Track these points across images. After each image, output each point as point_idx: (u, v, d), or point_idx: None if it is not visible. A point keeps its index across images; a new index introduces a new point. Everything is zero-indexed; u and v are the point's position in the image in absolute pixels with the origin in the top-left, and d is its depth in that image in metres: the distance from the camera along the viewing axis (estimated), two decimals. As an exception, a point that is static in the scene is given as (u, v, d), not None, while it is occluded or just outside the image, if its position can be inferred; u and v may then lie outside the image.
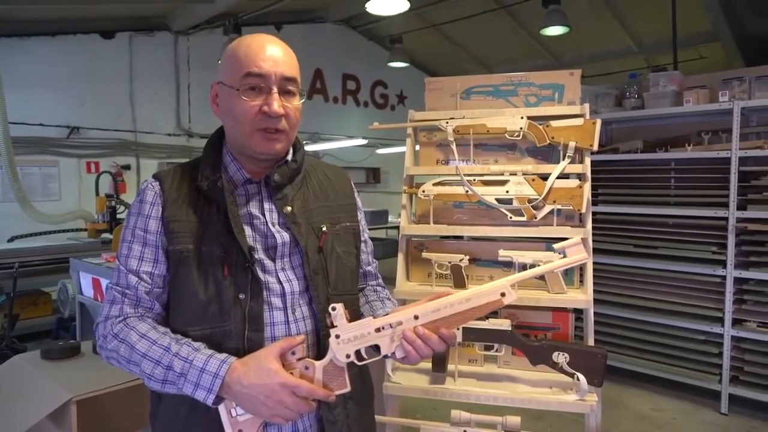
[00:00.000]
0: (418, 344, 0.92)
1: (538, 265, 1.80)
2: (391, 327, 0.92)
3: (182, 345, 0.91)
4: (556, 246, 1.02)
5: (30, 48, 5.12)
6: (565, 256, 1.02)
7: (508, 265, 1.89)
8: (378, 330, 0.92)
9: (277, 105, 0.95)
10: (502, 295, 0.94)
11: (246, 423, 0.89)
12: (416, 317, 0.92)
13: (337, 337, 0.91)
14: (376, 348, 0.93)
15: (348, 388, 0.91)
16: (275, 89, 0.96)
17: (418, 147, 2.11)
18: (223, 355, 0.90)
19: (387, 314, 0.97)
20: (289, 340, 0.91)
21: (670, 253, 3.29)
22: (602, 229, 3.43)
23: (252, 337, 0.95)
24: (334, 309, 0.91)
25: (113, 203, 4.77)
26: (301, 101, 1.01)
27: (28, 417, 1.76)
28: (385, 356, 0.93)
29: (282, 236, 1.01)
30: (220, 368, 0.87)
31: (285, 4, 5.84)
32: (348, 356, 0.90)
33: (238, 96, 0.95)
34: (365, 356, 0.92)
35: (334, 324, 0.91)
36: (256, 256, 0.99)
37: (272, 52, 0.97)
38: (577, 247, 1.01)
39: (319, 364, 0.91)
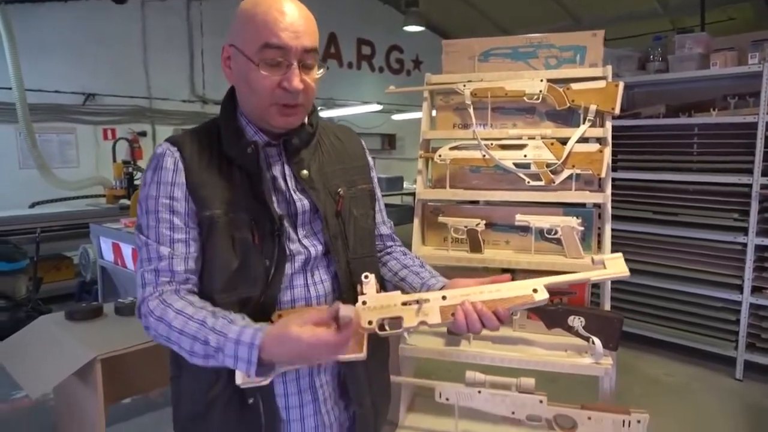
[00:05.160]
0: (472, 318, 0.90)
1: (556, 230, 1.81)
2: (418, 303, 0.92)
3: (218, 318, 0.86)
4: (595, 257, 0.99)
5: (42, 14, 5.10)
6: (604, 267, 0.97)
7: (525, 230, 1.88)
8: (404, 303, 0.92)
9: (297, 81, 0.91)
10: (534, 291, 0.93)
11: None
12: (444, 297, 0.93)
13: (364, 303, 0.91)
14: (398, 322, 0.92)
15: (363, 355, 0.88)
16: (295, 64, 0.90)
17: (434, 112, 2.08)
18: (259, 324, 0.85)
19: (443, 287, 0.98)
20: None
21: (690, 220, 3.24)
22: (621, 196, 3.37)
23: (266, 301, 0.94)
24: (366, 277, 0.92)
25: (130, 169, 4.82)
26: (320, 72, 0.96)
27: (56, 374, 1.82)
28: (407, 330, 0.93)
29: (303, 204, 1.00)
30: (255, 336, 0.81)
31: (298, -34, 5.70)
32: (370, 323, 0.90)
33: (256, 69, 0.91)
34: (387, 327, 0.92)
35: (363, 292, 0.91)
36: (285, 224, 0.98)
37: (293, 20, 0.90)
38: (618, 261, 0.97)
39: None
